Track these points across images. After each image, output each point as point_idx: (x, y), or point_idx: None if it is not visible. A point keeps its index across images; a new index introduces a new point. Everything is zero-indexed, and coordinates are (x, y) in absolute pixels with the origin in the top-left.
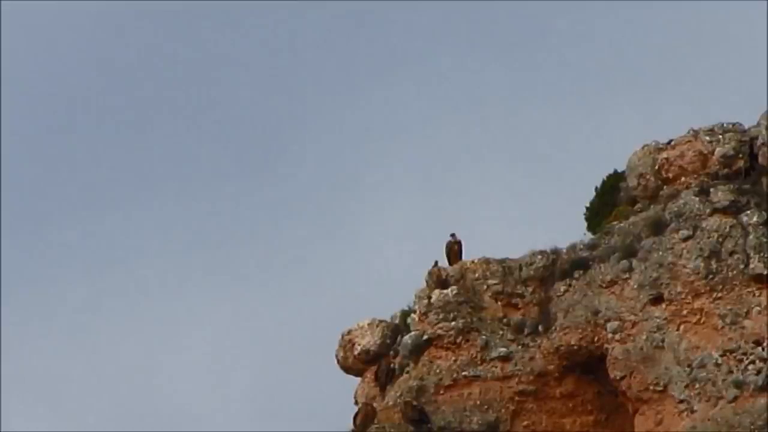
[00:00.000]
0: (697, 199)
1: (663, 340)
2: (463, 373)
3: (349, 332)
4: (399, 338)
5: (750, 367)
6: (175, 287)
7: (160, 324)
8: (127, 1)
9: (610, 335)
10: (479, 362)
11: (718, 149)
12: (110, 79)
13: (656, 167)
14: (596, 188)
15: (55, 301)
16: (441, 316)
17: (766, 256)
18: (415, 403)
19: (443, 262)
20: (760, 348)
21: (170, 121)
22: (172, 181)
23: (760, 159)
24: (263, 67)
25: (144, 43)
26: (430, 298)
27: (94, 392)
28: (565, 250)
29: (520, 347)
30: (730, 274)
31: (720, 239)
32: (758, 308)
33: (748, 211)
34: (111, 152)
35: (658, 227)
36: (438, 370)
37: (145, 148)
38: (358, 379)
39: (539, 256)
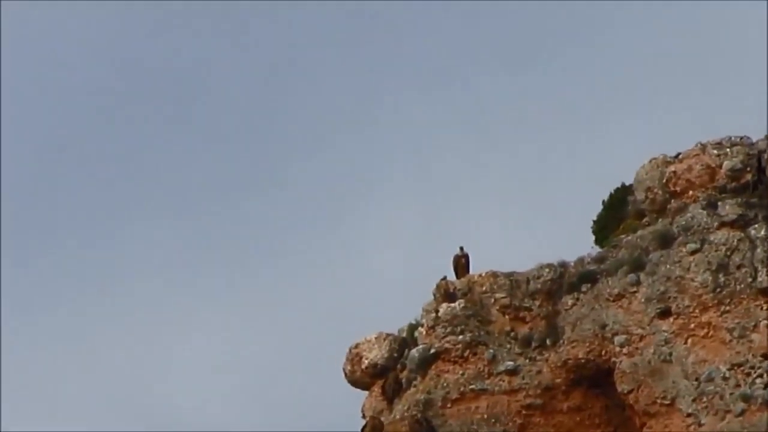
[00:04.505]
0: (705, 212)
1: (671, 354)
2: (471, 387)
3: (356, 346)
4: (406, 352)
5: (758, 380)
6: (182, 303)
7: (166, 336)
8: (129, 2)
9: (617, 349)
10: (486, 376)
11: (725, 162)
12: (110, 83)
13: (664, 181)
14: (604, 201)
15: (57, 309)
16: (448, 330)
17: None
18: (420, 416)
19: (451, 276)
20: (767, 362)
21: (178, 133)
22: (181, 192)
23: None
24: (271, 81)
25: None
26: (437, 311)
27: (96, 395)
28: (572, 264)
29: (527, 361)
30: (737, 287)
31: (728, 253)
32: (766, 321)
33: (756, 225)
34: (114, 162)
35: (665, 241)
36: (445, 384)
37: (152, 160)
38: (366, 392)
39: (547, 270)
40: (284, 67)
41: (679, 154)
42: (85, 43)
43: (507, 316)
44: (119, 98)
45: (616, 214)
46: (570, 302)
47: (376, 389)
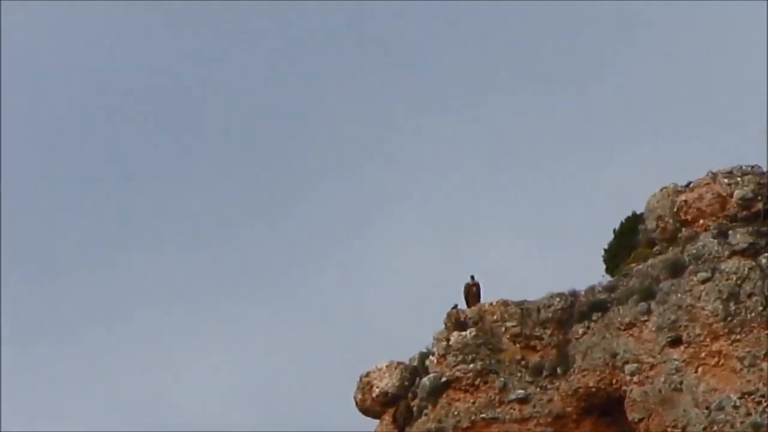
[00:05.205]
0: (716, 241)
1: (681, 383)
2: (482, 415)
3: (367, 374)
4: (417, 380)
5: None
6: (190, 334)
7: (180, 365)
8: (129, 2)
9: (628, 377)
10: (498, 404)
11: (736, 191)
12: (111, 83)
13: (675, 209)
14: (615, 230)
15: (56, 308)
16: (459, 358)
17: None
18: None
19: (462, 305)
20: None
21: (186, 166)
22: (200, 223)
23: None
24: (284, 114)
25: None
26: (448, 340)
27: (97, 395)
28: (583, 293)
29: (538, 389)
30: (748, 316)
31: (738, 281)
32: None
33: (767, 254)
34: (116, 164)
35: (676, 269)
36: (456, 412)
37: (157, 165)
38: (377, 421)
39: (557, 299)
40: (301, 89)
41: (689, 183)
42: (86, 43)
43: (518, 345)
44: (120, 98)
45: (627, 242)
46: (581, 331)
47: (387, 418)
